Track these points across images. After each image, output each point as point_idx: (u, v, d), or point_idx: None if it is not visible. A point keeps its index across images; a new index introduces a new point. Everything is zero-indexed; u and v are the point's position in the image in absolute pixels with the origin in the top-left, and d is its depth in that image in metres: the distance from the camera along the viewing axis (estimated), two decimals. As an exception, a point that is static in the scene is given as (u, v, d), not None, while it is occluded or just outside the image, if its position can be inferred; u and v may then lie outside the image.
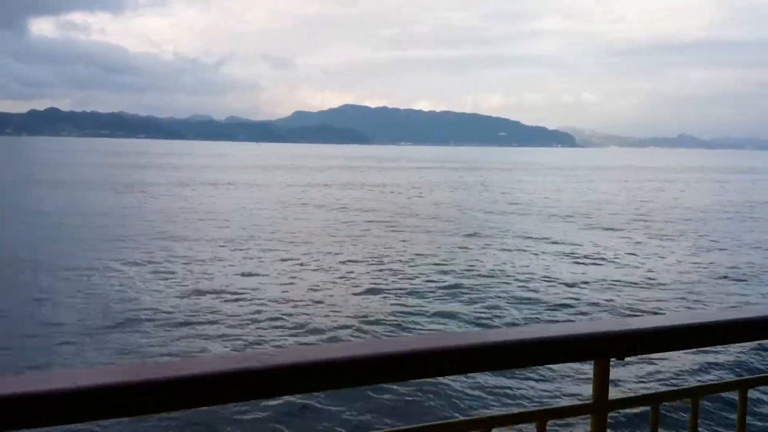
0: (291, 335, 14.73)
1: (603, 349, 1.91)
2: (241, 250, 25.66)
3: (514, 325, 15.69)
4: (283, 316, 16.07)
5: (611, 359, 1.94)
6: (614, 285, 20.23)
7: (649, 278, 21.26)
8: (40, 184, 58.67)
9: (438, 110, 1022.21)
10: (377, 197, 52.58)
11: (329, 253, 25.31)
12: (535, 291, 19.18)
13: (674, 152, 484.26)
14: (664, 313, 15.17)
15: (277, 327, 15.30)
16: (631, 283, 20.62)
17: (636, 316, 13.99)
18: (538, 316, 16.74)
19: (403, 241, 28.74)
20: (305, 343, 14.14)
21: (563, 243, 28.56)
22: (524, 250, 26.59)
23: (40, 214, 36.42)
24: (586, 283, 20.44)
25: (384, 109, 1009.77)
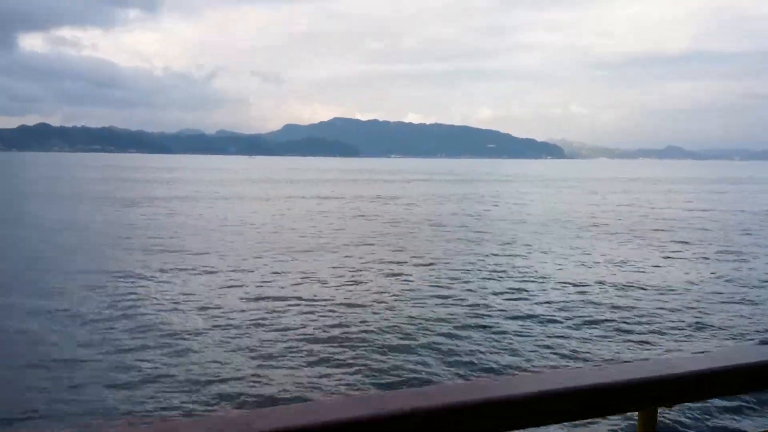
0: (358, 346, 15.29)
1: (650, 396, 1.64)
2: (293, 261, 26.27)
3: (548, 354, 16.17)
4: (358, 323, 16.66)
5: (659, 408, 1.68)
6: (656, 298, 20.76)
7: (688, 289, 21.80)
8: (63, 198, 59.18)
9: (428, 123, 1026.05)
10: (396, 210, 53.15)
11: (381, 261, 25.92)
12: (581, 302, 19.89)
13: (664, 163, 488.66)
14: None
15: (346, 336, 15.87)
16: (673, 294, 21.22)
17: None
18: (589, 333, 17.31)
19: (447, 250, 29.39)
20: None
21: (594, 254, 29.36)
22: (565, 260, 27.33)
23: (73, 228, 36.91)
24: (627, 290, 21.12)
25: (374, 122, 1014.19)
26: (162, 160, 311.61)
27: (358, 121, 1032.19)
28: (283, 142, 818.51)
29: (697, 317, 17.76)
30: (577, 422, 9.46)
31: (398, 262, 25.94)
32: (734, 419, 11.00)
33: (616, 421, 10.42)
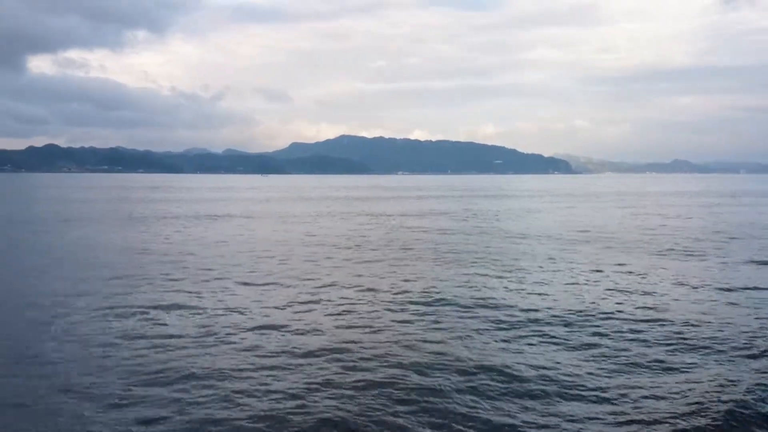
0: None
1: None
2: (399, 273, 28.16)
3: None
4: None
5: None
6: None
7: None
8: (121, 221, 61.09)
9: (434, 139, 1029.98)
10: (461, 225, 54.69)
11: (479, 274, 27.77)
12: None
13: (675, 177, 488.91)
14: None
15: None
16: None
17: None
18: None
19: (550, 264, 31.19)
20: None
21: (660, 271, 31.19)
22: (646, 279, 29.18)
23: (148, 250, 38.73)
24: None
25: (380, 139, 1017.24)
26: (180, 180, 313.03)
27: (364, 138, 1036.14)
28: (290, 160, 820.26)
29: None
30: None
31: (495, 274, 27.84)
32: None
33: None
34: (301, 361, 15.32)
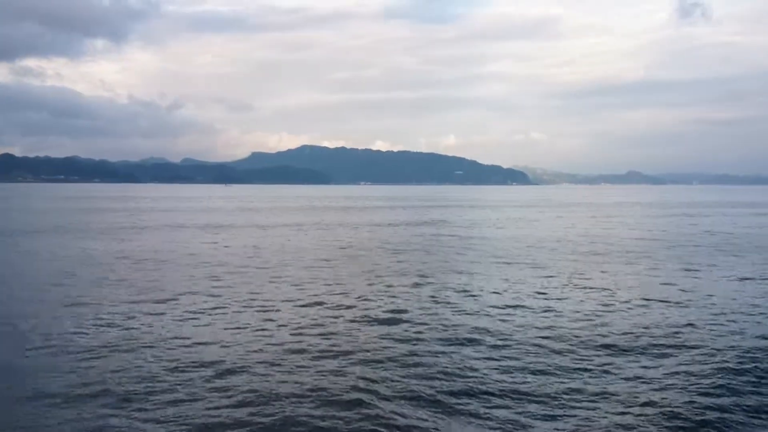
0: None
1: None
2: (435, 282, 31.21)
3: None
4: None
5: None
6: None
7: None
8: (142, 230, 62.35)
9: (395, 150, 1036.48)
10: (467, 231, 57.87)
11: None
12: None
13: (630, 188, 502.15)
14: None
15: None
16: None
17: None
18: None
19: (574, 269, 34.56)
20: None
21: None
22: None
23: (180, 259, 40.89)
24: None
25: (342, 149, 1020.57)
26: (148, 190, 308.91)
27: (326, 148, 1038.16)
28: (251, 170, 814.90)
29: None
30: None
31: (511, 284, 31.12)
32: None
33: None
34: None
